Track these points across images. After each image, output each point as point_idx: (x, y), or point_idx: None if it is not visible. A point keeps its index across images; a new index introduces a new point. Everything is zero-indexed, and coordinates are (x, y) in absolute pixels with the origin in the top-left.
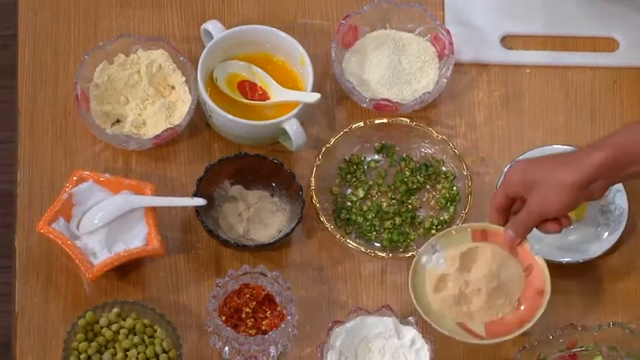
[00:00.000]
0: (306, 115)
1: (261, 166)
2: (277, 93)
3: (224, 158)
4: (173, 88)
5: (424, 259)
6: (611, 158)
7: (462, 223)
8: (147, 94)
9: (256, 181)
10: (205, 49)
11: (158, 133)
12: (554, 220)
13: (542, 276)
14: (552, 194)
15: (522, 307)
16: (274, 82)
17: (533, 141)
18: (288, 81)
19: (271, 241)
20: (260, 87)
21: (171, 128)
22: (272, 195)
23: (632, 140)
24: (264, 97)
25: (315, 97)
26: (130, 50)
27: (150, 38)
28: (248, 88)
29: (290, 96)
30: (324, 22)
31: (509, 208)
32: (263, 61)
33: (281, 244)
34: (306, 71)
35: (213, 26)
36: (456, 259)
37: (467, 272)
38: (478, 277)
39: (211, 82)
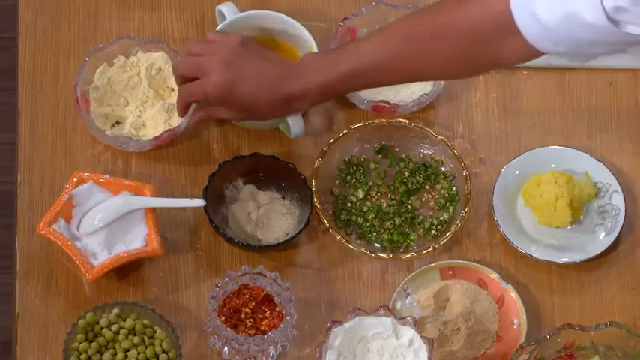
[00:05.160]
0: (306, 112)
1: (274, 167)
2: None
3: (238, 157)
4: (173, 90)
5: (399, 304)
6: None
7: (463, 223)
8: (146, 96)
9: (269, 183)
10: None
11: (157, 134)
12: None
13: (517, 305)
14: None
15: (502, 340)
16: None
17: (530, 142)
18: None
19: (276, 242)
20: None
21: (170, 130)
22: (283, 198)
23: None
24: None
25: None
26: (129, 52)
27: (149, 40)
28: None
29: None
30: (322, 24)
31: None
32: (271, 48)
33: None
34: None
35: (227, 9)
36: (429, 299)
37: (442, 311)
38: (455, 315)
39: None
